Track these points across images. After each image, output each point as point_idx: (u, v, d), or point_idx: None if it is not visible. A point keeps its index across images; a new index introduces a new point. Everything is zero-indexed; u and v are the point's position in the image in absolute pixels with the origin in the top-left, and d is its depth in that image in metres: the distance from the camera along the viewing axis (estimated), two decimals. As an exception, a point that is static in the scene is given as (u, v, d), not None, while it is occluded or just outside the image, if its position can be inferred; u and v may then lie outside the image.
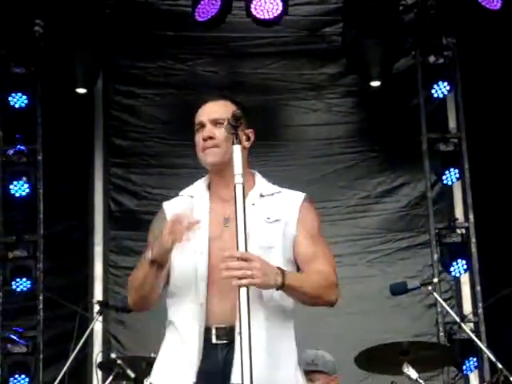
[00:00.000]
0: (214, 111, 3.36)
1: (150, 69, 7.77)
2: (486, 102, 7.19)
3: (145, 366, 5.33)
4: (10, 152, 7.12)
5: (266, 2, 6.94)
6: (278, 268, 3.09)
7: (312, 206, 3.39)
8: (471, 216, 7.21)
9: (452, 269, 7.10)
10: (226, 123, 3.15)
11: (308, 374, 5.14)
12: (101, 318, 6.07)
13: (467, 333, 5.94)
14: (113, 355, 5.83)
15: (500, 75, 7.13)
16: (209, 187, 3.39)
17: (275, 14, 6.98)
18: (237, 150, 3.07)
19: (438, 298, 5.82)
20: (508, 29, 6.96)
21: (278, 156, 7.53)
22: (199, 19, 7.05)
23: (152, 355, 4.89)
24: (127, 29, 7.55)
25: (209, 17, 7.00)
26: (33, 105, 7.22)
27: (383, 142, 7.62)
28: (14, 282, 6.95)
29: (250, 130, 3.40)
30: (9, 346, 6.83)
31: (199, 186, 3.40)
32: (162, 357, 3.29)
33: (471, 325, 6.85)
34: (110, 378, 5.60)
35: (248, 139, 3.38)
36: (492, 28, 6.95)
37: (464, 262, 7.08)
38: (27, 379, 6.81)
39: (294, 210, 3.31)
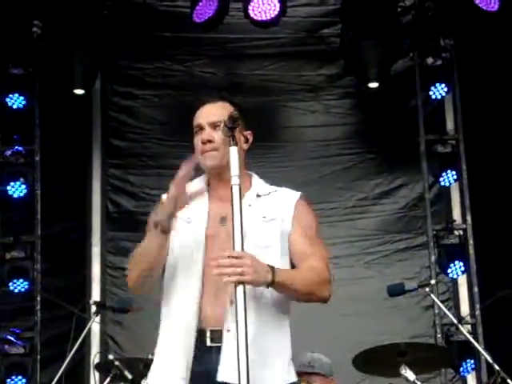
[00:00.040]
0: (212, 113, 3.36)
1: (148, 70, 7.77)
2: (484, 104, 7.19)
3: (142, 367, 5.32)
4: (8, 153, 7.11)
5: (263, 3, 6.94)
6: (269, 265, 3.11)
7: (308, 204, 3.41)
8: (469, 217, 7.22)
9: (449, 270, 7.11)
10: (222, 125, 3.16)
11: (305, 375, 5.15)
12: (98, 319, 6.06)
13: (464, 334, 5.94)
14: (110, 356, 5.82)
15: (498, 77, 7.13)
16: (207, 186, 3.41)
17: (272, 16, 6.97)
18: (233, 151, 3.09)
19: (436, 300, 5.81)
20: (506, 30, 6.96)
21: (275, 157, 7.53)
22: (197, 20, 7.05)
23: (149, 356, 4.87)
24: (125, 30, 7.55)
25: (206, 18, 7.00)
26: (31, 106, 7.21)
27: (381, 143, 7.62)
28: (11, 283, 6.94)
29: (249, 132, 3.41)
30: (6, 346, 6.82)
31: (198, 185, 3.41)
32: (157, 358, 3.29)
33: (468, 326, 6.84)
34: (108, 379, 5.59)
35: (246, 141, 3.39)
36: (490, 29, 6.95)
37: (461, 263, 7.08)
38: (24, 380, 6.81)
39: (289, 208, 3.33)
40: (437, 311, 6.93)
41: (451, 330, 6.89)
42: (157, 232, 3.20)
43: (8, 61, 7.17)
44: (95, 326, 6.58)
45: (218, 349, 3.15)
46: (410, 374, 4.87)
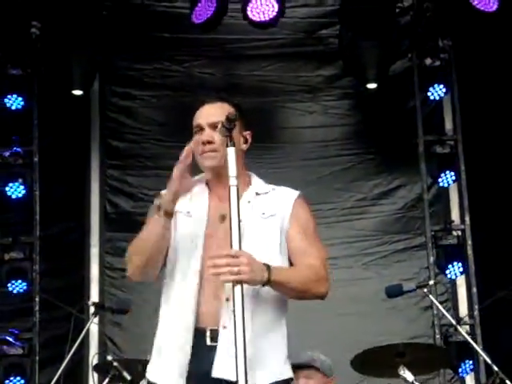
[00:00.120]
0: (212, 114, 3.38)
1: (147, 70, 7.77)
2: (483, 104, 7.20)
3: (141, 368, 5.30)
4: (6, 154, 7.11)
5: (261, 4, 6.94)
6: (265, 264, 3.12)
7: (306, 203, 3.43)
8: (467, 218, 7.22)
9: (448, 271, 7.10)
10: (219, 126, 3.17)
11: (304, 370, 5.15)
12: (96, 320, 6.06)
13: (463, 335, 5.94)
14: (109, 357, 5.82)
15: (496, 77, 7.13)
16: (206, 185, 3.43)
17: (271, 16, 6.97)
18: (231, 152, 3.10)
19: (434, 301, 5.81)
20: (504, 31, 6.97)
21: (274, 158, 7.53)
22: (196, 21, 7.05)
23: (148, 357, 4.87)
24: (124, 31, 7.55)
25: (204, 19, 7.00)
26: (29, 106, 7.21)
27: (379, 144, 7.62)
28: (9, 284, 6.94)
29: (248, 132, 3.43)
30: (4, 347, 6.81)
31: (198, 183, 3.42)
32: (155, 354, 3.31)
33: (467, 327, 6.85)
34: (106, 380, 5.59)
35: (246, 141, 3.41)
36: (488, 30, 6.96)
37: (460, 264, 7.08)
38: (23, 381, 6.80)
39: (287, 206, 3.36)
40: (435, 312, 6.93)
41: (450, 331, 6.88)
42: (159, 215, 3.22)
43: (6, 62, 7.16)
44: (94, 326, 6.57)
45: (216, 348, 3.17)
46: (408, 375, 4.87)
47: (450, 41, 7.30)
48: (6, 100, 7.15)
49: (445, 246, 7.17)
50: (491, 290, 6.87)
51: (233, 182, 3.06)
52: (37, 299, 6.93)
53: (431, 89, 7.28)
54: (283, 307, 3.32)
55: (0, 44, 7.12)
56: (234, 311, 2.94)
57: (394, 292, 5.60)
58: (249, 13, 6.99)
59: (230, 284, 3.02)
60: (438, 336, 6.96)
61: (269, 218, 3.32)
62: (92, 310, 6.06)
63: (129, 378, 5.47)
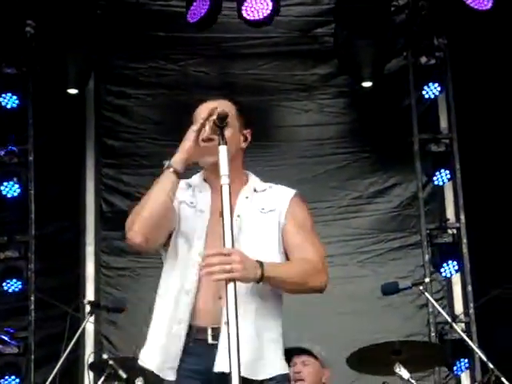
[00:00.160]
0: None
1: (142, 69, 7.76)
2: (478, 103, 7.20)
3: (137, 366, 5.31)
4: (1, 152, 7.10)
5: (256, 3, 6.93)
6: (257, 261, 3.12)
7: (303, 202, 3.44)
8: (462, 216, 7.23)
9: (443, 269, 7.11)
10: (211, 124, 3.16)
11: (302, 356, 5.18)
12: (92, 319, 6.06)
13: (458, 333, 5.95)
14: (104, 356, 5.81)
15: (491, 76, 7.14)
16: (205, 182, 3.43)
17: (265, 15, 6.97)
18: (223, 150, 3.09)
19: (430, 298, 5.82)
20: (499, 29, 6.97)
21: (269, 156, 7.52)
22: (191, 20, 7.05)
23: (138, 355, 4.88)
24: (119, 29, 7.55)
25: (199, 17, 6.99)
26: (24, 105, 7.20)
27: (375, 142, 7.62)
28: (5, 283, 6.94)
29: (248, 131, 3.44)
30: (0, 346, 6.81)
31: (197, 179, 3.44)
32: (149, 343, 3.31)
33: (462, 325, 6.85)
34: (102, 378, 5.59)
35: (245, 140, 3.41)
36: (483, 29, 6.96)
37: (455, 262, 7.09)
38: (18, 380, 6.80)
39: (284, 202, 3.37)
40: (431, 310, 6.93)
41: (445, 329, 6.89)
42: (168, 173, 3.22)
43: (1, 60, 7.15)
44: (89, 325, 6.57)
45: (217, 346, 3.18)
46: (404, 373, 4.88)
47: (445, 39, 7.31)
48: (0, 99, 7.14)
49: (440, 244, 7.17)
50: (486, 288, 6.88)
51: (224, 180, 3.03)
52: (32, 298, 6.93)
53: (426, 87, 7.29)
54: (279, 303, 3.33)
55: (-5, 43, 7.12)
56: (227, 309, 2.94)
57: (389, 290, 5.61)
58: (243, 11, 6.99)
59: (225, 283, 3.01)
60: (433, 334, 6.97)
61: (268, 212, 3.33)
62: (88, 308, 6.06)
63: (124, 376, 5.47)
